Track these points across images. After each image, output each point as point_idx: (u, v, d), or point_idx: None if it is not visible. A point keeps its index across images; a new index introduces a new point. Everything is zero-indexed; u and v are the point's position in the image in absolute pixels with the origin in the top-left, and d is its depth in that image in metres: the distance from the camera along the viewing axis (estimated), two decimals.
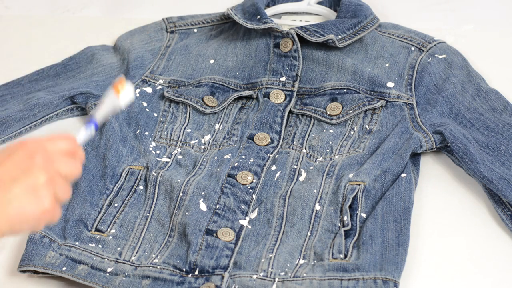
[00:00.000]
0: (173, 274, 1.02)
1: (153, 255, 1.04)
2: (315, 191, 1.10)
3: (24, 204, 0.81)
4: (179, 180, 1.11)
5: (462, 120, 1.17)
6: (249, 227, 1.08)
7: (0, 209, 0.80)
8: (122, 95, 0.92)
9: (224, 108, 1.23)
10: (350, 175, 1.10)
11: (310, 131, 1.19)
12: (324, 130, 1.19)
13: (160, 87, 1.27)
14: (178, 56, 1.31)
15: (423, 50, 1.25)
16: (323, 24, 1.27)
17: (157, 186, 1.11)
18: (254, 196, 1.10)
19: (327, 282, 0.99)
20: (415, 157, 1.15)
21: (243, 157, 1.15)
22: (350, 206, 1.07)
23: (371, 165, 1.11)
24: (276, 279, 1.00)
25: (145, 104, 1.24)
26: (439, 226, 1.09)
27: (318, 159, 1.15)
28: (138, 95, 1.25)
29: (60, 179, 0.84)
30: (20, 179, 0.81)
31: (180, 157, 1.17)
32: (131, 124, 1.21)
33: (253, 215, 1.09)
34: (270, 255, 1.03)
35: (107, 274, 1.02)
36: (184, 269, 1.02)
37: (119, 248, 1.05)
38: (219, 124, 1.21)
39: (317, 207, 1.08)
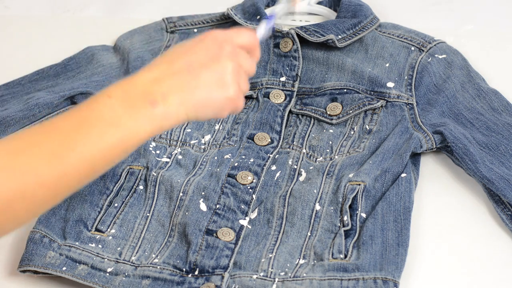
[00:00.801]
0: (173, 274, 1.02)
1: (153, 255, 1.04)
2: (315, 191, 1.10)
3: (212, 89, 0.87)
4: (179, 180, 1.11)
5: (462, 120, 1.17)
6: (249, 227, 1.08)
7: (188, 93, 0.86)
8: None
9: None
10: (350, 175, 1.10)
11: (310, 131, 1.19)
12: (324, 130, 1.19)
13: None
14: None
15: (423, 50, 1.25)
16: (323, 24, 1.27)
17: (157, 186, 1.11)
18: (254, 196, 1.10)
19: (327, 282, 0.99)
20: (415, 157, 1.15)
21: (243, 157, 1.15)
22: (350, 206, 1.07)
23: (371, 165, 1.11)
24: (276, 279, 1.00)
25: None
26: (439, 226, 1.09)
27: (318, 159, 1.15)
28: None
29: (243, 72, 0.90)
30: (209, 66, 0.87)
31: (180, 157, 1.17)
32: None
33: (253, 215, 1.09)
34: (270, 255, 1.03)
35: (107, 274, 1.02)
36: (184, 269, 1.02)
37: (119, 248, 1.05)
38: (219, 124, 1.21)
39: (317, 207, 1.08)
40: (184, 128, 1.21)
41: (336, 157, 1.15)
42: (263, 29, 0.96)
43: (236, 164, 1.14)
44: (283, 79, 1.24)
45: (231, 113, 0.91)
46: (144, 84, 0.85)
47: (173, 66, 0.87)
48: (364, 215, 1.07)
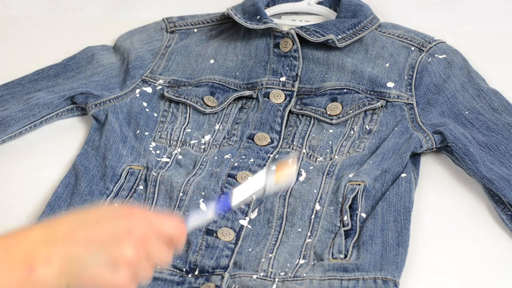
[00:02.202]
0: (173, 274, 1.02)
1: None
2: (315, 191, 1.10)
3: (99, 270, 0.79)
4: (179, 180, 1.11)
5: (462, 120, 1.17)
6: (249, 227, 1.08)
7: (74, 266, 0.78)
8: (282, 174, 0.86)
9: (224, 108, 1.23)
10: (350, 175, 1.10)
11: (310, 131, 1.19)
12: (324, 130, 1.19)
13: (160, 87, 1.27)
14: (178, 56, 1.31)
15: (423, 50, 1.25)
16: (323, 24, 1.27)
17: (157, 186, 1.11)
18: (254, 196, 1.10)
19: (327, 282, 0.99)
20: (415, 157, 1.15)
21: (243, 157, 1.15)
22: (350, 206, 1.07)
23: (371, 165, 1.11)
24: (276, 279, 1.00)
25: (145, 104, 1.24)
26: (439, 226, 1.09)
27: (318, 159, 1.15)
28: (138, 95, 1.25)
29: (147, 262, 0.82)
30: (107, 245, 0.79)
31: (180, 157, 1.17)
32: (131, 124, 1.21)
33: (253, 215, 1.09)
34: (270, 255, 1.03)
35: None
36: (184, 269, 1.02)
37: None
38: (219, 124, 1.21)
39: (317, 207, 1.08)
40: (184, 128, 1.21)
41: (336, 157, 1.15)
42: (201, 217, 0.86)
43: (236, 164, 1.14)
44: (283, 79, 1.24)
45: None
46: (31, 244, 0.78)
47: (72, 233, 0.79)
48: (364, 215, 1.07)
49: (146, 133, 1.20)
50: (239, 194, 0.87)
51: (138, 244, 0.80)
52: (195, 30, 1.35)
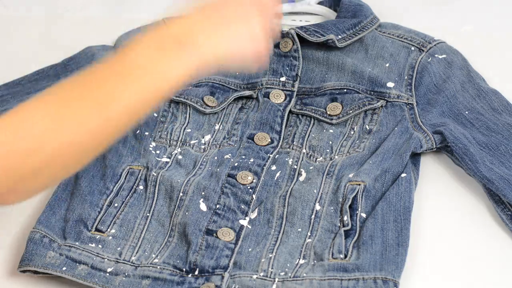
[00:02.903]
0: (173, 274, 1.02)
1: (153, 255, 1.04)
2: (315, 191, 1.10)
3: (243, 41, 0.91)
4: (179, 180, 1.11)
5: (462, 120, 1.17)
6: (249, 227, 1.08)
7: (219, 40, 0.89)
8: None
9: (224, 108, 1.23)
10: (350, 175, 1.10)
11: (310, 131, 1.19)
12: (324, 130, 1.19)
13: None
14: None
15: (423, 50, 1.25)
16: (323, 24, 1.27)
17: (157, 186, 1.11)
18: (254, 196, 1.10)
19: (327, 282, 0.99)
20: (415, 157, 1.15)
21: (243, 157, 1.15)
22: (350, 206, 1.07)
23: (371, 165, 1.11)
24: (276, 279, 1.00)
25: None
26: (439, 226, 1.09)
27: (318, 159, 1.15)
28: None
29: (270, 30, 0.94)
30: (242, 19, 0.91)
31: (180, 157, 1.17)
32: None
33: (253, 215, 1.09)
34: (270, 255, 1.03)
35: (107, 274, 1.02)
36: (184, 269, 1.02)
37: (119, 248, 1.05)
38: (219, 124, 1.21)
39: (317, 207, 1.08)
40: (184, 128, 1.21)
41: (336, 157, 1.15)
42: None
43: (236, 164, 1.14)
44: (283, 79, 1.24)
45: (258, 70, 0.94)
46: (176, 29, 0.89)
47: (206, 14, 0.90)
48: (364, 215, 1.07)
49: (146, 133, 1.20)
50: None
51: (263, 14, 0.93)
52: None
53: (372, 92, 1.22)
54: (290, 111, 1.21)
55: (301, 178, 1.12)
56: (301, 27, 1.26)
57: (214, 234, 1.05)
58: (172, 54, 0.87)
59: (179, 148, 1.18)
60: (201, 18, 0.90)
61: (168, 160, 1.16)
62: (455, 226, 1.09)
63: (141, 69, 0.86)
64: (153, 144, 1.19)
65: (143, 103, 0.87)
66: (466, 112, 1.18)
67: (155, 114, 1.23)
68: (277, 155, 1.16)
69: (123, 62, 0.87)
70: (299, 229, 1.06)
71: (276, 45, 1.26)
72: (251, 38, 0.91)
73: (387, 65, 1.24)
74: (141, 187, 1.13)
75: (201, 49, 0.88)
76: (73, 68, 1.31)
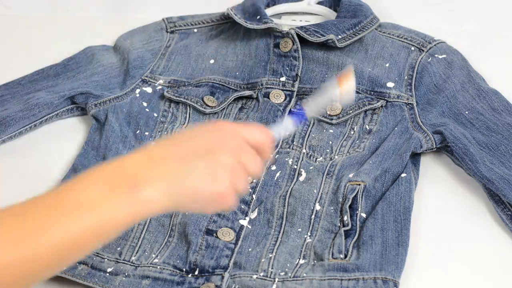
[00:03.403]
0: (173, 274, 1.02)
1: (153, 255, 1.04)
2: (315, 191, 1.10)
3: (201, 182, 0.80)
4: None
5: (462, 120, 1.17)
6: (249, 227, 1.08)
7: (176, 182, 0.80)
8: (345, 88, 0.87)
9: (224, 108, 1.23)
10: (350, 175, 1.10)
11: (310, 131, 1.19)
12: (324, 130, 1.19)
13: (160, 87, 1.27)
14: (178, 56, 1.31)
15: (423, 50, 1.25)
16: (323, 24, 1.27)
17: None
18: (254, 196, 1.10)
19: (327, 282, 0.99)
20: (415, 157, 1.15)
21: None
22: (350, 206, 1.07)
23: (371, 165, 1.11)
24: (276, 279, 1.00)
25: (145, 104, 1.24)
26: (439, 226, 1.09)
27: (318, 159, 1.15)
28: (138, 95, 1.25)
29: (242, 171, 0.83)
30: (204, 157, 0.81)
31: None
32: (131, 124, 1.21)
33: (253, 215, 1.09)
34: (270, 255, 1.03)
35: (107, 274, 1.02)
36: (184, 269, 1.02)
37: (119, 248, 1.05)
38: None
39: (317, 207, 1.08)
40: (184, 128, 1.21)
41: (336, 157, 1.15)
42: (282, 129, 0.88)
43: None
44: (283, 79, 1.24)
45: (218, 211, 0.85)
46: (132, 167, 0.80)
47: (167, 151, 0.82)
48: (364, 215, 1.07)
49: (146, 133, 1.20)
50: (311, 106, 0.89)
51: (233, 153, 0.82)
52: (195, 30, 1.35)
53: (372, 92, 1.22)
54: (290, 111, 1.21)
55: (301, 178, 1.12)
56: (301, 27, 1.26)
57: (214, 234, 1.05)
58: (121, 196, 0.77)
59: None
60: (161, 154, 0.81)
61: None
62: (455, 226, 1.09)
63: (80, 206, 0.76)
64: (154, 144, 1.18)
65: (75, 245, 0.76)
66: (466, 112, 1.18)
67: (155, 114, 1.23)
68: (277, 155, 1.16)
69: (62, 195, 0.77)
70: (299, 229, 1.06)
71: (276, 45, 1.26)
72: (212, 179, 0.81)
73: (387, 65, 1.24)
74: None
75: (154, 194, 0.79)
76: (73, 68, 1.31)
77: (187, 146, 0.82)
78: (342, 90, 0.87)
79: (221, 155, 0.81)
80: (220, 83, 1.26)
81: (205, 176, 0.81)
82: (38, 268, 0.76)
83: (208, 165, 0.81)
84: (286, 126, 0.88)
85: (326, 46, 1.26)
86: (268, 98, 1.22)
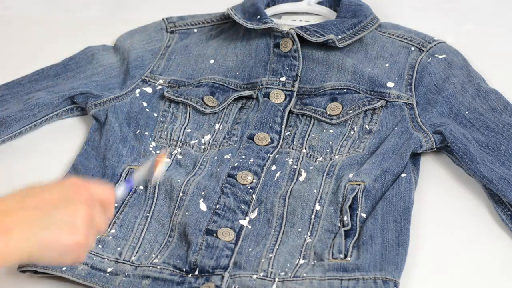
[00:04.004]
0: (173, 274, 1.02)
1: (153, 255, 1.04)
2: (315, 191, 1.10)
3: (61, 231, 0.81)
4: (179, 180, 1.11)
5: (462, 120, 1.17)
6: (249, 227, 1.08)
7: (35, 231, 0.80)
8: (159, 168, 0.97)
9: (224, 108, 1.23)
10: (350, 175, 1.10)
11: (310, 131, 1.19)
12: (324, 130, 1.19)
13: (160, 87, 1.27)
14: (178, 56, 1.31)
15: (423, 50, 1.25)
16: (323, 24, 1.27)
17: (157, 186, 1.11)
18: (254, 196, 1.10)
19: (327, 282, 0.99)
20: (415, 157, 1.15)
21: (243, 157, 1.15)
22: (350, 206, 1.07)
23: (371, 165, 1.11)
24: (276, 279, 1.00)
25: (145, 104, 1.24)
26: (439, 226, 1.09)
27: (318, 159, 1.15)
28: (138, 95, 1.25)
29: (93, 223, 0.85)
30: (62, 207, 0.82)
31: (180, 157, 1.17)
32: (131, 124, 1.21)
33: (253, 215, 1.09)
34: (270, 255, 1.03)
35: (107, 274, 1.02)
36: (184, 269, 1.02)
37: (119, 248, 1.05)
38: (219, 124, 1.21)
39: (317, 207, 1.08)
40: (184, 128, 1.21)
41: (336, 157, 1.15)
42: (122, 190, 0.93)
43: (236, 164, 1.14)
44: (283, 79, 1.24)
45: (73, 263, 0.84)
46: None
47: (24, 201, 0.82)
48: (364, 215, 1.07)
49: (146, 133, 1.20)
50: (136, 175, 0.97)
51: (87, 203, 0.84)
52: (195, 30, 1.35)
53: (372, 92, 1.22)
54: (290, 111, 1.21)
55: (301, 178, 1.12)
56: (301, 27, 1.26)
57: (214, 234, 1.05)
58: None
59: (179, 148, 1.18)
60: (19, 204, 0.81)
61: (168, 160, 1.16)
62: (455, 226, 1.09)
63: None
64: (153, 144, 1.19)
65: None
66: (466, 112, 1.18)
67: (155, 114, 1.23)
68: (277, 155, 1.16)
69: None
70: (299, 229, 1.06)
71: (276, 45, 1.26)
72: (71, 228, 0.82)
73: (387, 65, 1.24)
74: (141, 187, 1.13)
75: (12, 244, 0.78)
76: (73, 68, 1.31)
77: (43, 195, 0.83)
78: (156, 169, 0.97)
79: (77, 205, 0.83)
80: (220, 83, 1.26)
81: (65, 226, 0.81)
82: None
83: (66, 215, 0.82)
84: (122, 189, 0.94)
85: (326, 46, 1.26)
86: (268, 98, 1.22)
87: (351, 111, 1.20)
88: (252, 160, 1.14)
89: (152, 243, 1.06)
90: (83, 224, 0.82)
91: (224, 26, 1.34)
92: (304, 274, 1.00)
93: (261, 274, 1.01)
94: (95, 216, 0.85)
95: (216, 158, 1.16)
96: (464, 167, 1.13)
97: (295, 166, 1.14)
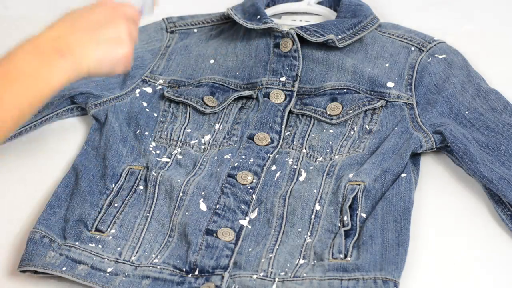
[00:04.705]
0: (173, 274, 1.02)
1: (153, 255, 1.04)
2: (315, 191, 1.10)
3: (110, 46, 0.97)
4: (179, 180, 1.11)
5: (462, 120, 1.17)
6: (249, 227, 1.08)
7: (90, 48, 0.95)
8: None
9: (224, 108, 1.23)
10: (350, 175, 1.10)
11: (310, 131, 1.19)
12: (324, 130, 1.19)
13: (160, 87, 1.27)
14: (178, 56, 1.31)
15: (423, 50, 1.25)
16: (323, 24, 1.27)
17: (157, 186, 1.11)
18: (254, 196, 1.10)
19: (327, 282, 0.99)
20: (415, 157, 1.15)
21: (243, 157, 1.15)
22: (350, 206, 1.07)
23: (371, 165, 1.11)
24: (276, 279, 1.00)
25: (145, 104, 1.24)
26: (439, 226, 1.09)
27: (318, 159, 1.15)
28: (138, 95, 1.25)
29: (132, 36, 1.00)
30: (106, 25, 0.97)
31: (180, 157, 1.17)
32: (131, 124, 1.21)
33: (253, 215, 1.09)
34: (270, 255, 1.03)
35: (107, 274, 1.02)
36: (184, 269, 1.02)
37: (119, 248, 1.05)
38: (219, 124, 1.21)
39: (317, 207, 1.08)
40: (184, 128, 1.21)
41: (336, 157, 1.15)
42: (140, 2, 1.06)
43: (236, 164, 1.14)
44: (283, 79, 1.24)
45: (122, 72, 1.00)
46: (50, 40, 0.94)
47: (74, 25, 0.96)
48: (364, 215, 1.07)
49: (146, 133, 1.20)
50: None
51: (126, 21, 0.99)
52: (195, 30, 1.35)
53: (372, 92, 1.22)
54: (290, 111, 1.21)
55: (301, 178, 1.12)
56: (301, 27, 1.26)
57: (214, 234, 1.05)
58: (51, 61, 0.93)
59: (179, 148, 1.18)
60: (70, 28, 0.96)
61: (168, 160, 1.16)
62: (455, 226, 1.09)
63: (25, 75, 0.91)
64: (153, 144, 1.19)
65: (27, 105, 0.92)
66: (466, 112, 1.18)
67: (155, 114, 1.23)
68: (277, 155, 1.16)
69: (8, 67, 0.92)
70: (299, 229, 1.06)
71: (276, 45, 1.26)
72: (118, 42, 0.98)
73: (387, 65, 1.24)
74: (141, 187, 1.13)
75: (76, 56, 0.94)
76: None
77: (89, 19, 0.97)
78: None
79: (119, 22, 0.98)
80: (220, 83, 1.26)
81: (113, 41, 0.97)
82: (9, 124, 0.91)
83: (112, 32, 0.97)
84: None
85: (326, 46, 1.26)
86: (268, 98, 1.22)
87: (351, 111, 1.20)
88: (252, 160, 1.14)
89: (152, 243, 1.06)
90: (127, 37, 0.98)
91: (224, 26, 1.34)
92: (304, 274, 1.00)
93: (261, 274, 1.01)
94: (132, 30, 1.00)
95: (216, 158, 1.16)
96: (464, 167, 1.13)
97: (295, 166, 1.14)
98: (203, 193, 1.10)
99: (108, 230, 1.07)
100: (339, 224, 1.06)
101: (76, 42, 0.95)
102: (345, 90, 1.22)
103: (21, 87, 0.91)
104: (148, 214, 1.09)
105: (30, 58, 0.92)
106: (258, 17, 1.28)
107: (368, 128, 1.18)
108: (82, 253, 1.04)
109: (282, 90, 1.23)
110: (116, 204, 1.10)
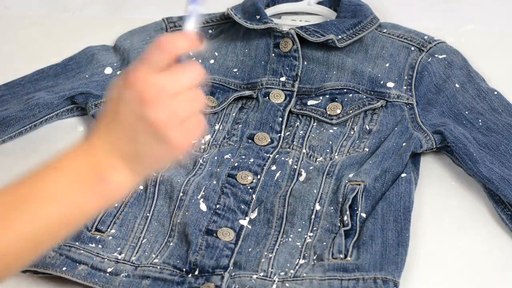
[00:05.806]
0: (173, 274, 1.02)
1: (153, 255, 1.04)
2: (315, 191, 1.10)
3: (152, 147, 0.79)
4: (179, 180, 1.11)
5: (462, 120, 1.17)
6: (249, 227, 1.08)
7: (133, 159, 0.80)
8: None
9: (224, 108, 1.23)
10: (350, 175, 1.10)
11: (310, 131, 1.19)
12: (324, 130, 1.19)
13: None
14: None
15: (423, 50, 1.25)
16: (323, 24, 1.27)
17: (157, 186, 1.11)
18: (254, 196, 1.10)
19: (327, 282, 0.99)
20: (415, 157, 1.15)
21: (243, 157, 1.15)
22: (350, 206, 1.07)
23: (371, 165, 1.11)
24: (276, 279, 1.00)
25: None
26: (439, 226, 1.09)
27: (318, 159, 1.15)
28: None
29: (182, 115, 0.79)
30: (142, 130, 0.78)
31: (180, 157, 1.17)
32: None
33: (253, 215, 1.09)
34: (270, 255, 1.03)
35: (107, 274, 1.02)
36: (184, 269, 1.02)
37: (119, 248, 1.05)
38: (219, 124, 1.21)
39: (317, 207, 1.08)
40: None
41: (336, 157, 1.15)
42: (191, 20, 0.81)
43: (236, 164, 1.14)
44: (283, 79, 1.24)
45: (177, 161, 0.87)
46: (94, 156, 0.79)
47: (110, 132, 0.80)
48: (364, 215, 1.07)
49: None
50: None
51: (159, 107, 0.77)
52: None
53: (372, 92, 1.22)
54: (290, 111, 1.21)
55: (301, 178, 1.12)
56: (301, 27, 1.26)
57: (214, 234, 1.05)
58: (91, 188, 0.78)
59: None
60: (110, 136, 0.79)
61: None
62: (455, 226, 1.09)
63: (50, 199, 0.77)
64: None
65: (49, 233, 0.78)
66: (466, 112, 1.18)
67: None
68: (277, 155, 1.16)
69: (31, 188, 0.77)
70: (299, 229, 1.06)
71: (276, 45, 1.26)
72: (158, 140, 0.79)
73: (387, 65, 1.24)
74: (141, 187, 1.13)
75: (121, 179, 0.80)
76: (73, 68, 1.31)
77: (120, 121, 0.79)
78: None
79: (150, 117, 0.77)
80: (220, 83, 1.26)
81: (152, 141, 0.79)
82: (10, 261, 0.76)
83: (151, 135, 0.79)
84: (192, 13, 0.82)
85: (326, 46, 1.26)
86: (268, 98, 1.22)
87: (351, 111, 1.20)
88: (252, 160, 1.14)
89: (152, 243, 1.06)
90: (165, 132, 0.78)
91: (224, 26, 1.34)
92: (304, 274, 1.00)
93: (261, 274, 1.01)
94: (177, 110, 0.78)
95: (216, 158, 1.16)
96: (464, 167, 1.13)
97: (295, 166, 1.14)
98: (203, 193, 1.10)
99: (108, 230, 1.07)
100: (339, 224, 1.06)
101: (116, 156, 0.79)
102: (345, 90, 1.22)
103: (36, 213, 0.76)
104: (148, 214, 1.09)
105: (63, 179, 0.78)
106: (258, 17, 1.28)
107: (368, 128, 1.18)
108: (82, 253, 1.04)
109: (282, 90, 1.23)
110: (116, 204, 1.10)
